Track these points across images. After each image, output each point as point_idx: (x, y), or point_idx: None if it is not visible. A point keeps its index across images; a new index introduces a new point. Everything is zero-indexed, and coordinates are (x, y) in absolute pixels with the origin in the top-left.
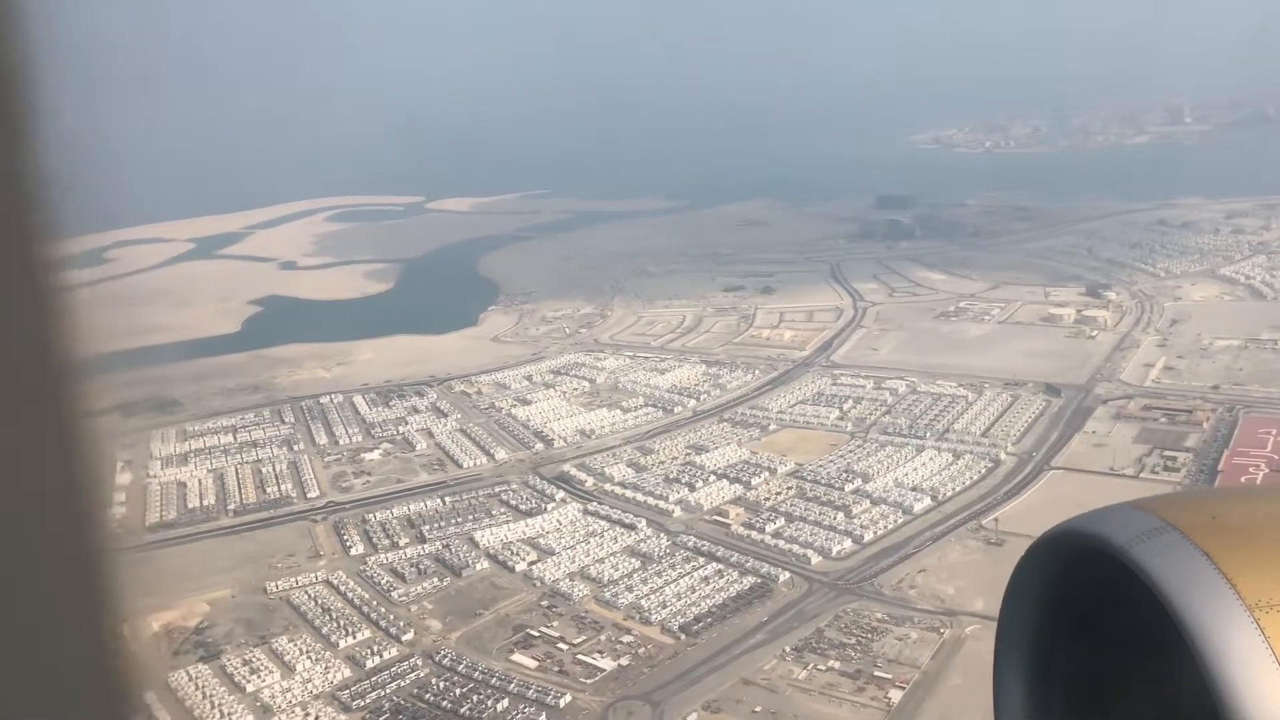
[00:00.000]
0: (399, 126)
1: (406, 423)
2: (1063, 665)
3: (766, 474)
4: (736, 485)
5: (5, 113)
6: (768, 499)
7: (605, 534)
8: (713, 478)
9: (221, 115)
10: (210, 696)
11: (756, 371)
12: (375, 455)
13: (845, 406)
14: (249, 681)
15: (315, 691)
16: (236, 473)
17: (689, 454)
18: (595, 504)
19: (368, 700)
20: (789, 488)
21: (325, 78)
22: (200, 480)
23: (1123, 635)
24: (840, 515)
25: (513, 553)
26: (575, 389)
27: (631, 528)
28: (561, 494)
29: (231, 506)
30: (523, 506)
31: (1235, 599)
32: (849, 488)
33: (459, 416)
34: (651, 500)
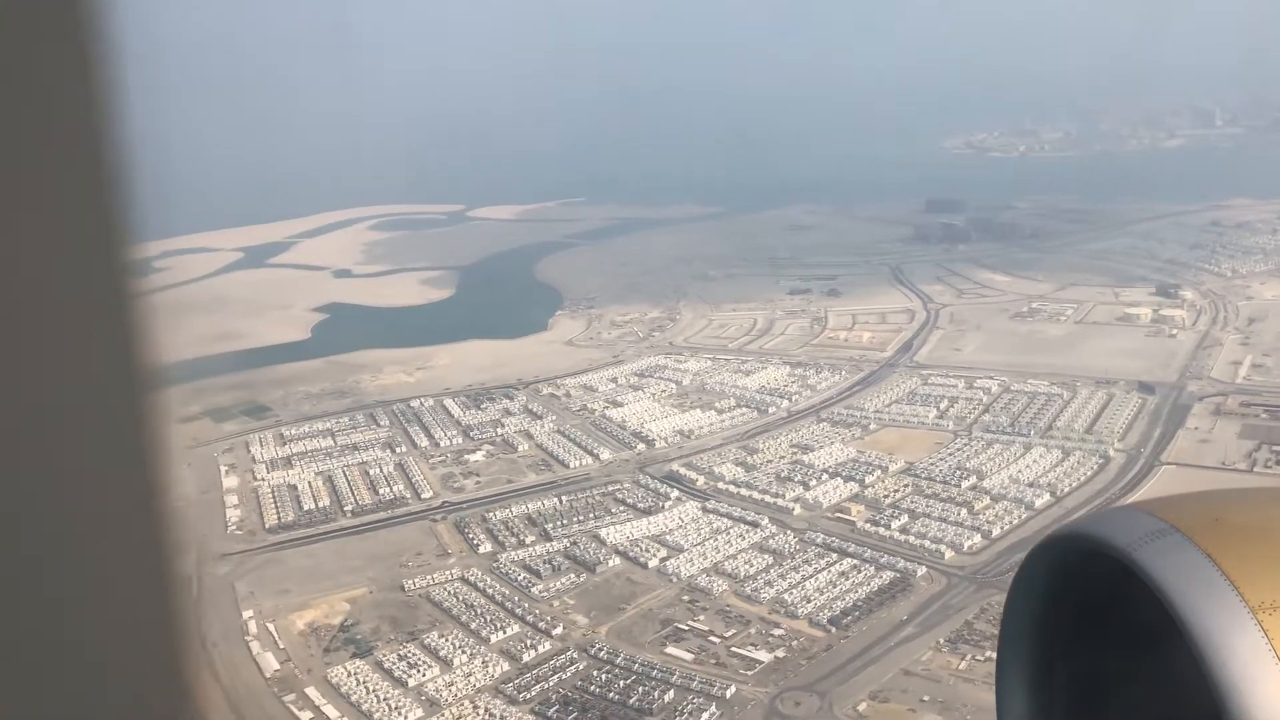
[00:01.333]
0: (429, 135)
1: (503, 425)
2: (1065, 667)
3: (879, 472)
4: (851, 483)
5: (95, 114)
6: (886, 496)
7: (730, 531)
8: (825, 476)
9: (248, 124)
10: (374, 691)
11: (843, 372)
12: (479, 456)
13: (942, 406)
14: (409, 676)
15: (478, 685)
16: (345, 475)
17: (795, 453)
18: (713, 502)
19: (533, 693)
20: (904, 485)
21: (349, 86)
22: (310, 482)
23: (1125, 637)
24: (963, 511)
25: (642, 549)
26: (663, 391)
27: (755, 525)
28: (676, 493)
29: (348, 507)
30: (640, 505)
31: (1238, 601)
32: (965, 484)
33: (554, 418)
34: (768, 498)
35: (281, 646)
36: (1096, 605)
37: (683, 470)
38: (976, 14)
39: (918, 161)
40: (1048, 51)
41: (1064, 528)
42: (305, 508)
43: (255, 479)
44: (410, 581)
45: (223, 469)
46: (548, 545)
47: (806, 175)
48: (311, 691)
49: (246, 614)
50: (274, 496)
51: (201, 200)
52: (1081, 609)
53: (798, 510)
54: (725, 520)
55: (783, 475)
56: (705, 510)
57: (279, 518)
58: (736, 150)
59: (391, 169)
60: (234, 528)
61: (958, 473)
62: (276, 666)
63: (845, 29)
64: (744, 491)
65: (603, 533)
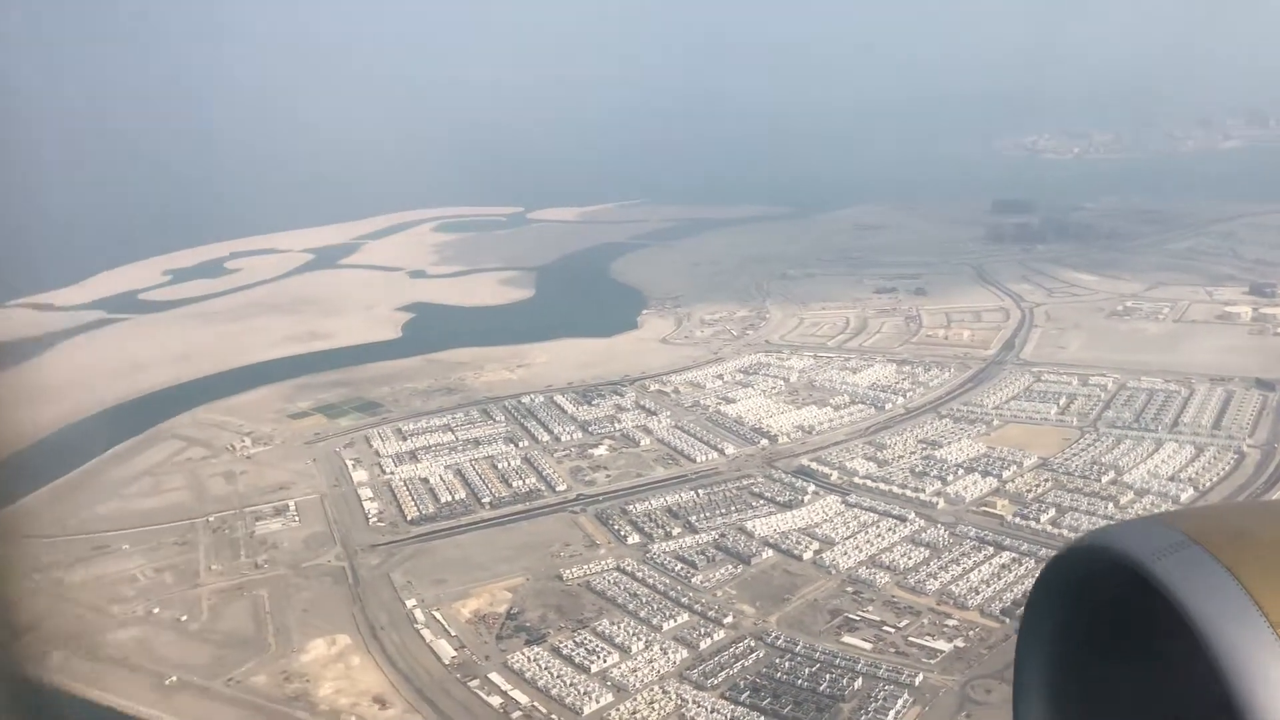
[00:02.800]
0: (471, 141)
1: (619, 420)
2: (1083, 677)
3: (1014, 467)
4: (990, 478)
5: None
6: (1028, 491)
7: (879, 525)
8: (960, 471)
9: (297, 130)
10: (559, 676)
11: (951, 369)
12: (602, 451)
13: (1060, 402)
14: (590, 662)
15: (661, 671)
16: (474, 469)
17: (923, 449)
18: (853, 496)
19: (720, 679)
20: (1044, 480)
21: (386, 91)
22: (441, 476)
23: (1144, 649)
24: (1109, 505)
25: (793, 542)
26: (772, 387)
27: (901, 519)
28: (812, 487)
29: (485, 500)
30: (779, 499)
31: (1259, 617)
32: (1104, 479)
33: (668, 414)
34: (908, 493)
35: (453, 634)
36: (1115, 616)
37: (813, 465)
38: (1015, 14)
39: (969, 162)
40: (1093, 53)
41: (1083, 538)
42: (442, 500)
43: (384, 472)
44: (567, 571)
45: (349, 463)
46: (696, 537)
47: (860, 176)
48: (495, 677)
49: (410, 603)
50: (408, 489)
51: (261, 203)
52: (1099, 620)
53: (941, 504)
54: (870, 514)
55: (917, 470)
56: (847, 504)
57: (419, 510)
58: (785, 152)
59: (443, 173)
60: (375, 519)
61: (1095, 467)
62: (453, 653)
63: (880, 30)
64: (882, 486)
65: (749, 525)
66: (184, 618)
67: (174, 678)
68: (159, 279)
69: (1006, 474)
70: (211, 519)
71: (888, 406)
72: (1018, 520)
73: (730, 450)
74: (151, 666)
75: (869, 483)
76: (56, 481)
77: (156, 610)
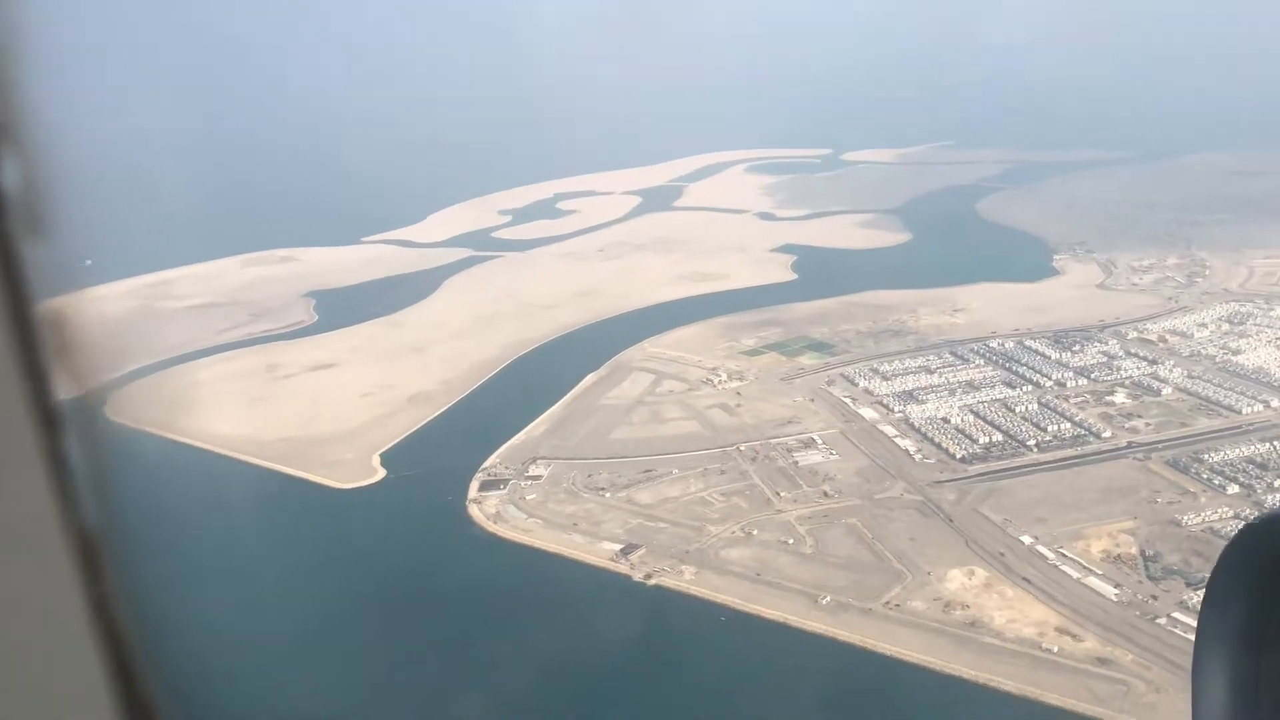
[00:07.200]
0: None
1: (1119, 368)
2: (1272, 663)
3: None
4: None
5: None
6: None
7: None
8: None
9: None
10: None
11: None
12: (1121, 399)
13: None
14: None
15: None
16: (991, 411)
17: None
18: None
19: None
20: None
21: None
22: (960, 417)
23: None
24: None
25: None
26: (1276, 337)
27: None
28: None
29: (1030, 443)
30: None
31: None
32: None
33: (1173, 364)
34: None
35: (1099, 573)
36: None
37: None
38: None
39: None
40: None
41: (1274, 511)
42: (979, 441)
43: (890, 411)
44: (1185, 518)
45: (846, 401)
46: None
47: (1201, 120)
48: (1179, 616)
49: (1025, 540)
50: (937, 429)
51: (566, 146)
52: None
53: None
54: None
55: None
56: None
57: (964, 450)
58: (1093, 94)
59: (738, 116)
60: (920, 457)
61: None
62: (1114, 591)
63: None
64: None
65: None
66: (790, 541)
67: (827, 598)
68: (499, 219)
69: None
70: (743, 448)
71: None
72: None
73: (1275, 402)
74: (792, 586)
75: None
76: (552, 409)
77: (755, 533)
